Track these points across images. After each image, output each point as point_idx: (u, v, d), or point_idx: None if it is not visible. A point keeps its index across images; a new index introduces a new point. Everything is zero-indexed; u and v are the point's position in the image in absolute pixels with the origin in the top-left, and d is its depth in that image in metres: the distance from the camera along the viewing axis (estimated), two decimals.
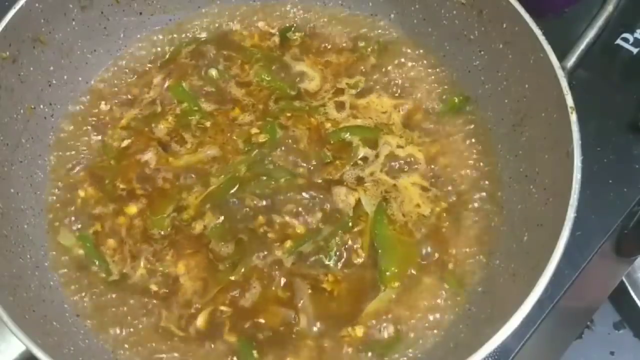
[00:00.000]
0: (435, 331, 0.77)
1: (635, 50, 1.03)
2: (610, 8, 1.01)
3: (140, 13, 0.99)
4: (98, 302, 0.80)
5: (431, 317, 0.78)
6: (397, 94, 0.93)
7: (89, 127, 0.93)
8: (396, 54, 0.97)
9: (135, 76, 0.98)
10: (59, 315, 0.78)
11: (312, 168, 0.87)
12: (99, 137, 0.92)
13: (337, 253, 0.81)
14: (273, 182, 0.85)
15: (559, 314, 0.87)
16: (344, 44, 0.99)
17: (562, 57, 0.91)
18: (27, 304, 0.75)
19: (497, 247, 0.81)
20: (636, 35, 1.03)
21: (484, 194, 0.85)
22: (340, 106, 0.93)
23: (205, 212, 0.84)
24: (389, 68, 0.96)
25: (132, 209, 0.85)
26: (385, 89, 0.94)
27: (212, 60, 0.98)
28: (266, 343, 0.77)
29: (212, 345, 0.77)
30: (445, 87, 0.93)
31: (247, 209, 0.83)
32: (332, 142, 0.89)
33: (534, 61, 0.79)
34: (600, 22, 0.99)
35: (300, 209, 0.83)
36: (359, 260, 0.81)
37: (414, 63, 0.96)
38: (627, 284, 1.26)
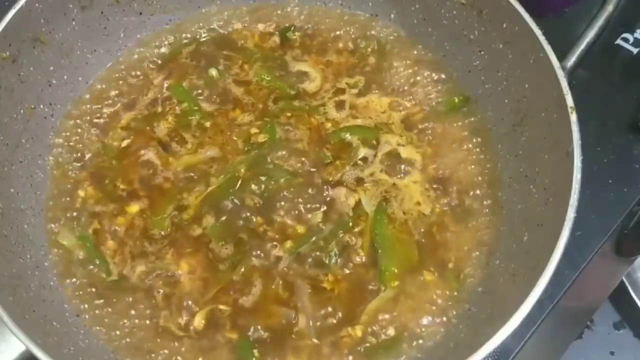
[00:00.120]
0: (435, 331, 0.77)
1: (635, 50, 1.03)
2: (610, 8, 1.01)
3: (140, 13, 0.99)
4: (98, 302, 0.80)
5: (431, 317, 0.78)
6: (397, 94, 0.93)
7: (89, 127, 0.93)
8: (396, 54, 0.97)
9: (135, 76, 0.98)
10: (59, 315, 0.78)
11: (312, 168, 0.87)
12: (99, 137, 0.92)
13: (337, 253, 0.81)
14: (273, 182, 0.85)
15: (559, 314, 0.87)
16: (344, 44, 0.99)
17: (562, 57, 0.91)
18: (27, 304, 0.75)
19: (497, 247, 0.81)
20: (636, 35, 1.03)
21: (484, 193, 0.85)
22: (340, 106, 0.93)
23: (206, 212, 0.84)
24: (389, 68, 0.96)
25: (132, 209, 0.85)
26: (385, 88, 0.94)
27: (212, 60, 0.98)
28: (266, 343, 0.77)
29: (212, 345, 0.77)
30: (445, 87, 0.93)
31: (247, 209, 0.83)
32: (332, 142, 0.89)
33: (534, 61, 0.79)
34: (600, 22, 0.99)
35: (300, 209, 0.83)
36: (359, 260, 0.81)
37: (414, 63, 0.96)
38: (627, 284, 1.26)
